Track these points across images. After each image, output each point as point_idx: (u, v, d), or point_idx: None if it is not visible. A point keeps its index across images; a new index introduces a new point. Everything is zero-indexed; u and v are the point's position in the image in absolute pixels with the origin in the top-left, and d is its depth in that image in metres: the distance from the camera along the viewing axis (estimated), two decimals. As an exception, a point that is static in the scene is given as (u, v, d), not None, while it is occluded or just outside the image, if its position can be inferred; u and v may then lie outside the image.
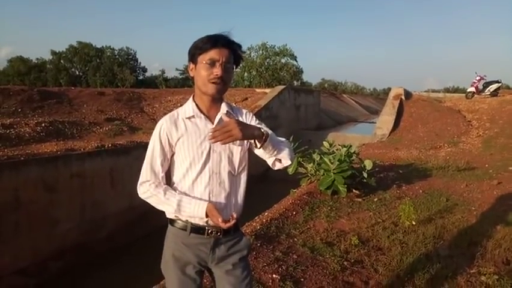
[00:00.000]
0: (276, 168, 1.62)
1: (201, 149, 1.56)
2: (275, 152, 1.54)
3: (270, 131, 1.57)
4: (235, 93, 16.50)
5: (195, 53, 1.56)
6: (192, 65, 1.59)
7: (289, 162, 1.60)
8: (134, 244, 7.55)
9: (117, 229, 7.69)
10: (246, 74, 32.97)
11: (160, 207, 1.59)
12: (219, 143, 1.47)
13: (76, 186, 6.95)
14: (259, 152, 1.56)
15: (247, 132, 1.42)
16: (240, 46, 1.59)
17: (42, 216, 6.36)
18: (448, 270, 3.27)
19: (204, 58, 1.52)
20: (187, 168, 1.57)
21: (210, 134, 1.39)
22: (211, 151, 1.57)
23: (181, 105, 1.68)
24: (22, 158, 6.26)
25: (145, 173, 1.61)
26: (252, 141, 1.53)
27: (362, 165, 5.66)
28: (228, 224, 1.47)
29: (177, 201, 1.54)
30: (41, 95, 10.85)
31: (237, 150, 1.62)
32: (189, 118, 1.60)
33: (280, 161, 1.59)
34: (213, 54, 1.51)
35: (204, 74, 1.53)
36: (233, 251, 1.64)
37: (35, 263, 6.21)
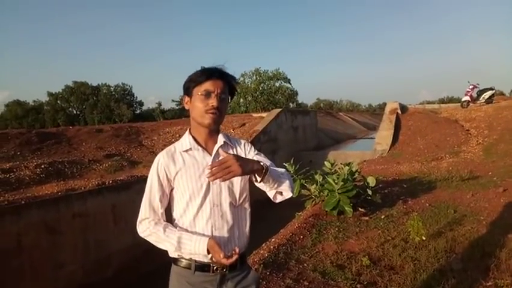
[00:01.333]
0: (277, 201, 1.58)
1: (200, 182, 1.54)
2: (276, 185, 1.50)
3: (269, 162, 1.54)
4: (233, 120, 16.58)
5: (189, 86, 1.57)
6: (187, 98, 1.60)
7: (290, 195, 1.56)
8: (140, 281, 7.38)
9: (122, 267, 7.55)
10: (241, 99, 33.29)
11: (160, 245, 1.55)
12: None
13: (79, 226, 6.85)
14: (259, 185, 1.53)
15: (246, 168, 1.38)
16: (234, 78, 1.61)
17: (46, 259, 6.25)
18: (464, 284, 3.19)
19: (199, 90, 1.53)
20: (187, 202, 1.54)
21: (208, 171, 1.34)
22: (211, 183, 1.54)
23: (179, 136, 1.69)
24: (23, 202, 6.20)
25: (143, 210, 1.59)
26: (252, 176, 1.50)
27: (366, 183, 5.61)
28: (230, 260, 1.42)
29: (177, 238, 1.50)
30: (39, 137, 10.88)
31: (237, 181, 1.59)
32: (186, 151, 1.59)
33: (281, 193, 1.55)
34: (207, 85, 1.52)
35: (199, 105, 1.53)
36: (241, 286, 1.58)
37: (40, 308, 6.06)
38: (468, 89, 16.43)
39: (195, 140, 1.60)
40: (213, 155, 1.58)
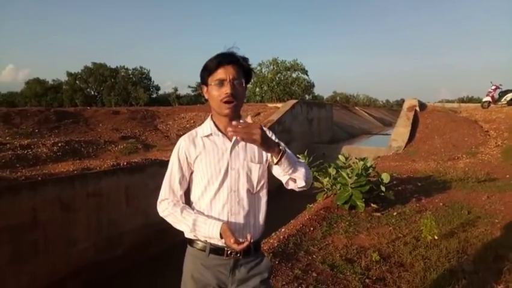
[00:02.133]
0: (289, 187, 1.58)
1: (219, 166, 1.55)
2: (290, 171, 1.49)
3: (289, 152, 1.53)
4: (248, 109, 16.57)
5: (204, 75, 1.58)
6: (205, 88, 1.61)
7: (303, 184, 1.53)
8: (150, 261, 7.52)
9: (133, 247, 7.68)
10: (257, 89, 33.13)
11: (177, 226, 1.59)
12: (237, 159, 1.54)
13: (92, 205, 6.98)
14: (275, 170, 1.53)
15: (266, 142, 1.37)
16: (245, 59, 1.59)
17: (60, 235, 6.39)
18: (474, 286, 3.15)
19: (213, 79, 1.53)
20: (205, 186, 1.56)
21: (231, 128, 1.32)
22: (229, 168, 1.56)
23: (194, 122, 1.70)
24: (40, 178, 6.33)
25: (163, 191, 1.62)
26: (269, 156, 1.50)
27: (380, 179, 5.55)
28: (241, 246, 1.43)
29: (193, 220, 1.53)
30: (57, 116, 11.07)
31: (255, 168, 1.60)
32: (207, 136, 1.61)
33: (294, 181, 1.54)
34: (220, 74, 1.52)
35: (215, 94, 1.54)
36: (253, 273, 1.59)
37: (53, 282, 6.21)
38: (490, 90, 16.02)
39: (216, 126, 1.62)
40: (232, 141, 1.58)
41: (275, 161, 1.46)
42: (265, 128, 1.70)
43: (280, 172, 1.52)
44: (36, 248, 6.06)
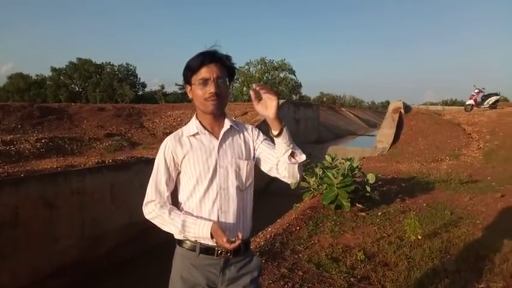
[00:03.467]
0: (292, 162, 1.51)
1: (207, 165, 1.54)
2: (291, 145, 1.49)
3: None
4: (235, 108, 16.53)
5: (187, 74, 1.56)
6: (188, 87, 1.60)
7: (304, 157, 1.53)
8: (134, 261, 7.44)
9: (117, 245, 7.59)
10: (245, 88, 33.12)
11: (165, 228, 1.56)
12: (226, 157, 1.56)
13: (76, 203, 6.87)
14: (276, 140, 1.50)
15: (278, 107, 1.45)
16: (228, 57, 1.58)
17: (42, 233, 6.28)
18: (456, 285, 3.21)
19: (196, 78, 1.52)
20: (194, 185, 1.55)
21: (257, 85, 1.42)
22: (218, 166, 1.55)
23: (180, 120, 1.69)
24: (22, 175, 6.22)
25: (150, 192, 1.60)
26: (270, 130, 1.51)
27: (365, 179, 5.62)
28: (233, 245, 1.42)
29: (182, 221, 1.51)
30: (41, 111, 10.87)
31: (243, 165, 1.60)
32: (194, 135, 1.59)
33: (294, 156, 1.52)
34: (203, 73, 1.51)
35: (199, 93, 1.53)
36: (244, 272, 1.59)
37: (34, 281, 6.10)
38: (473, 93, 16.36)
39: (202, 124, 1.61)
40: (219, 139, 1.58)
41: (275, 133, 1.47)
42: (249, 127, 1.72)
43: (282, 144, 1.49)
44: (18, 245, 5.95)
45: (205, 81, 1.51)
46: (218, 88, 1.51)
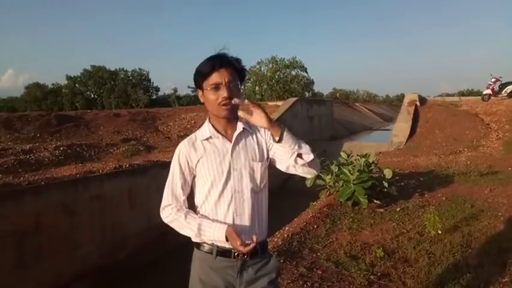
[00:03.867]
0: (298, 164, 1.53)
1: (221, 168, 1.55)
2: (296, 146, 1.50)
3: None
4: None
5: (198, 80, 1.58)
6: (200, 92, 1.61)
7: (312, 157, 1.53)
8: (154, 264, 7.53)
9: (137, 249, 7.68)
10: (257, 87, 33.14)
11: (182, 231, 1.59)
12: (239, 159, 1.56)
13: (96, 208, 6.98)
14: (279, 145, 1.51)
15: (268, 118, 1.47)
16: (238, 61, 1.59)
17: (64, 239, 6.39)
18: (479, 280, 3.15)
19: (208, 84, 1.53)
20: (209, 189, 1.57)
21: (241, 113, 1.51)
22: (232, 169, 1.56)
23: (194, 122, 1.71)
24: (42, 183, 6.34)
25: (166, 197, 1.62)
26: (271, 138, 1.54)
27: (382, 175, 5.56)
28: (248, 248, 1.43)
29: (198, 224, 1.53)
30: (58, 120, 11.08)
31: (257, 167, 1.60)
32: (207, 139, 1.60)
33: (301, 156, 1.52)
34: (214, 78, 1.51)
35: (211, 98, 1.54)
36: (261, 273, 1.59)
37: (57, 287, 6.22)
38: (490, 82, 15.96)
39: (215, 128, 1.61)
40: (232, 142, 1.59)
41: (277, 139, 1.48)
42: (261, 129, 1.71)
43: (287, 149, 1.50)
44: (41, 252, 6.06)
45: (217, 86, 1.52)
46: (231, 92, 1.52)
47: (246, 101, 1.49)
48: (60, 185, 6.47)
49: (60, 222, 6.35)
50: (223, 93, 1.51)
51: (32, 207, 5.95)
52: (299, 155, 1.52)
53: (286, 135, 1.47)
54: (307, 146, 1.54)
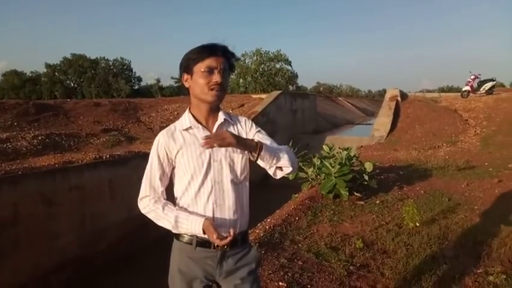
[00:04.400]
0: (278, 177, 1.60)
1: (201, 159, 1.54)
2: (274, 161, 1.51)
3: (269, 141, 1.59)
4: (232, 100, 16.50)
5: (189, 63, 1.54)
6: (186, 76, 1.57)
7: (291, 169, 1.56)
8: (134, 255, 7.47)
9: (117, 240, 7.62)
10: (241, 80, 33.09)
11: (159, 222, 1.57)
12: (219, 151, 1.53)
13: (75, 199, 6.88)
14: (258, 162, 1.54)
15: (240, 141, 1.46)
16: (235, 55, 1.59)
17: (42, 230, 6.29)
18: (455, 271, 3.24)
19: (201, 67, 1.50)
20: (189, 180, 1.55)
21: (203, 140, 1.40)
22: (212, 160, 1.54)
23: (177, 113, 1.69)
24: (20, 172, 6.20)
25: (144, 188, 1.60)
26: (248, 153, 1.54)
27: (363, 168, 5.63)
28: (224, 241, 1.43)
29: (174, 217, 1.52)
30: (36, 108, 10.81)
31: (237, 158, 1.59)
32: (187, 129, 1.58)
33: (281, 169, 1.56)
34: (210, 62, 1.50)
35: (202, 82, 1.51)
36: (241, 264, 1.59)
37: (35, 277, 6.13)
38: (469, 79, 16.32)
39: (195, 118, 1.60)
40: (214, 132, 1.57)
41: (255, 156, 1.49)
42: (243, 119, 1.71)
43: (265, 165, 1.54)
44: (18, 243, 5.96)
45: (211, 70, 1.50)
46: (223, 79, 1.52)
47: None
48: (38, 174, 6.35)
49: (39, 213, 6.25)
50: (217, 77, 1.49)
51: (9, 197, 5.84)
52: (278, 167, 1.55)
53: (264, 152, 1.49)
54: (286, 156, 1.54)
